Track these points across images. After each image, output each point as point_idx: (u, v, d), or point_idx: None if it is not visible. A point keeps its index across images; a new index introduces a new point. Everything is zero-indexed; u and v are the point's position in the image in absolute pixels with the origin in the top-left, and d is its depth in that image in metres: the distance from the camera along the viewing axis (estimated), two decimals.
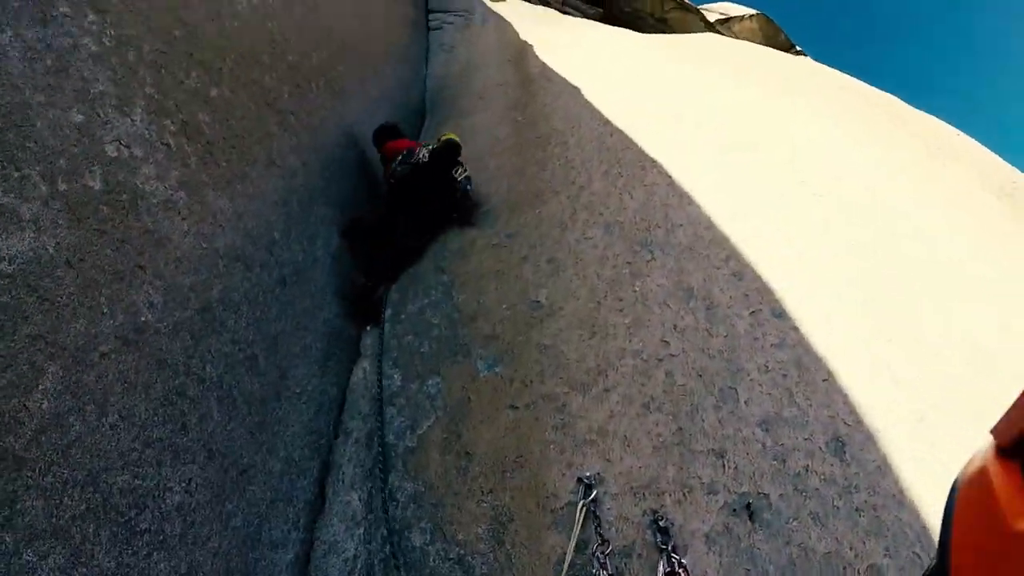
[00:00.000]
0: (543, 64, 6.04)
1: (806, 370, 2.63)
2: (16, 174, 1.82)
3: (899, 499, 2.18)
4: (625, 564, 2.25)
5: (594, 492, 2.46)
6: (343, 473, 2.77)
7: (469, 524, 2.51)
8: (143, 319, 2.13)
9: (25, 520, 1.55)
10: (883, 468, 2.26)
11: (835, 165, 3.91)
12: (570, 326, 3.17)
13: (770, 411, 2.51)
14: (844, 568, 2.03)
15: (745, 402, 2.58)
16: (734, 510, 2.26)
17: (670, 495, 2.40)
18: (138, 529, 1.84)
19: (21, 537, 1.53)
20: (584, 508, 2.40)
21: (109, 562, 1.72)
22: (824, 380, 2.57)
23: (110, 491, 1.80)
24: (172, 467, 2.04)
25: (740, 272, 3.15)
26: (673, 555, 2.16)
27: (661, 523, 2.29)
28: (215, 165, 2.72)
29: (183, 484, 2.06)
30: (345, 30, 4.98)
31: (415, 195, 4.08)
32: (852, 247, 3.21)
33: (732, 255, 3.25)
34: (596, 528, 2.36)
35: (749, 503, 2.25)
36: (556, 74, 5.70)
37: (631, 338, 3.00)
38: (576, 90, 5.26)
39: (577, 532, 2.32)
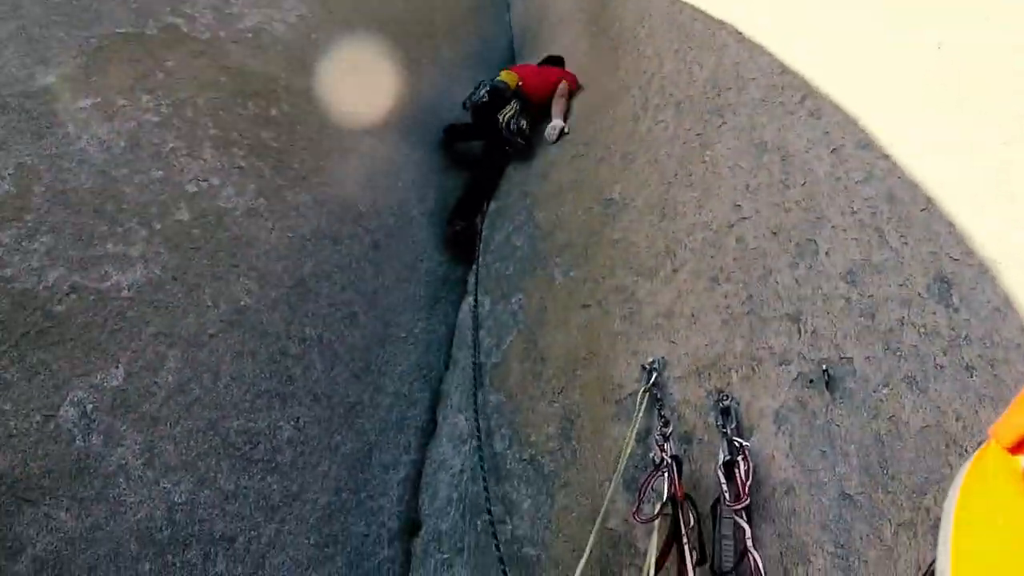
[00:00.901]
0: None
1: (899, 203, 2.02)
2: (120, 229, 2.56)
3: None
4: (685, 450, 2.11)
5: (653, 377, 2.34)
6: (451, 399, 3.13)
7: (541, 425, 2.63)
8: (243, 303, 2.76)
9: (161, 460, 2.24)
10: (1003, 310, 1.64)
11: None
12: (641, 214, 2.99)
13: (856, 258, 2.01)
14: (946, 445, 1.53)
15: (826, 253, 2.11)
16: (810, 380, 1.89)
17: (736, 371, 2.14)
18: (253, 459, 2.46)
19: (159, 471, 2.22)
20: (645, 394, 2.29)
21: (229, 485, 2.36)
22: (923, 210, 1.94)
23: (227, 433, 2.45)
24: (280, 410, 2.64)
25: (818, 110, 2.55)
26: (735, 439, 1.89)
27: (724, 403, 2.05)
28: (289, 169, 3.30)
29: (292, 422, 2.65)
30: (400, 7, 5.27)
31: (482, 126, 4.41)
32: (943, 49, 2.31)
33: (808, 94, 2.64)
34: (659, 412, 2.24)
35: (827, 371, 1.85)
36: None
37: (700, 211, 2.71)
38: None
39: (637, 419, 2.21)
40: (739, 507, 1.67)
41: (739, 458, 1.80)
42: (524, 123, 4.31)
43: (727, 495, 1.73)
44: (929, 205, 1.95)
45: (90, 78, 2.83)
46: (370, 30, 4.57)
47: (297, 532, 2.45)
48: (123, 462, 2.16)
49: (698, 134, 3.03)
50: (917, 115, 2.18)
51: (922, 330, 1.73)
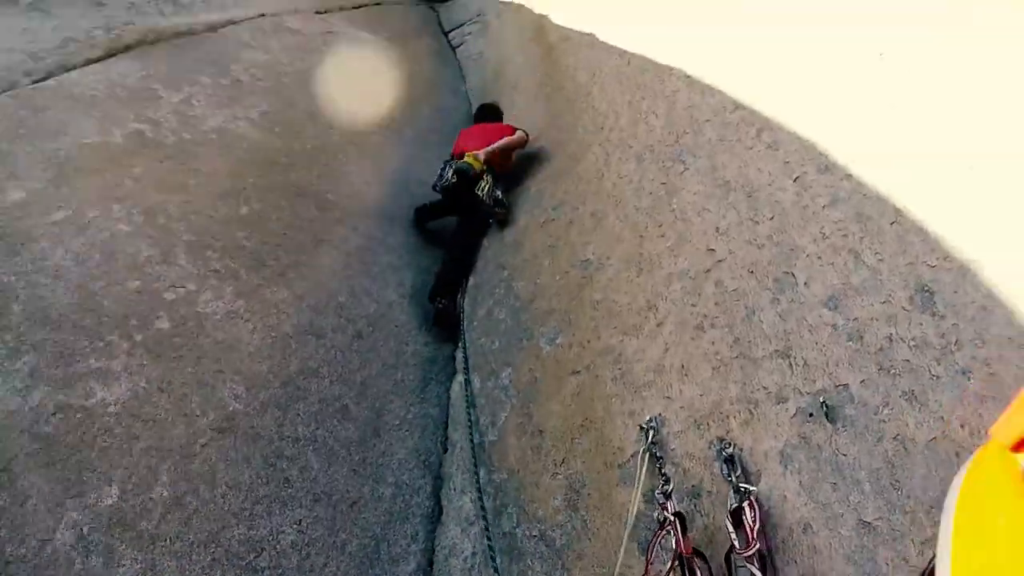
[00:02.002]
0: (559, 27, 5.93)
1: (869, 220, 2.10)
2: (101, 343, 2.51)
3: (1018, 340, 1.59)
4: (695, 505, 2.09)
5: (650, 435, 2.36)
6: (454, 481, 3.07)
7: (547, 499, 2.60)
8: (231, 408, 2.70)
9: None
10: (988, 307, 1.67)
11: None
12: (618, 272, 3.07)
13: (836, 284, 2.06)
14: (956, 453, 1.55)
15: (805, 283, 2.16)
16: (809, 415, 1.90)
17: (735, 417, 2.15)
18: (258, 567, 2.35)
19: None
20: (645, 454, 2.31)
21: None
22: (892, 223, 2.02)
23: (230, 543, 2.34)
24: (281, 515, 2.54)
25: (775, 142, 2.70)
26: (741, 486, 1.90)
27: (726, 452, 2.06)
28: (264, 267, 3.30)
29: (294, 526, 2.55)
30: (361, 94, 5.48)
31: (454, 204, 4.50)
32: (885, 57, 2.57)
33: (764, 126, 2.81)
34: (659, 471, 2.24)
35: (824, 402, 1.86)
36: (572, 31, 5.56)
37: (675, 260, 2.79)
38: (591, 37, 5.06)
39: (640, 481, 2.19)
40: (748, 554, 1.66)
41: (745, 504, 1.80)
42: (499, 192, 4.40)
43: (736, 543, 1.73)
44: (898, 217, 2.01)
45: (60, 190, 2.82)
46: (331, 120, 4.70)
47: None
48: None
49: (663, 183, 3.12)
50: (871, 128, 2.28)
51: (912, 344, 1.75)
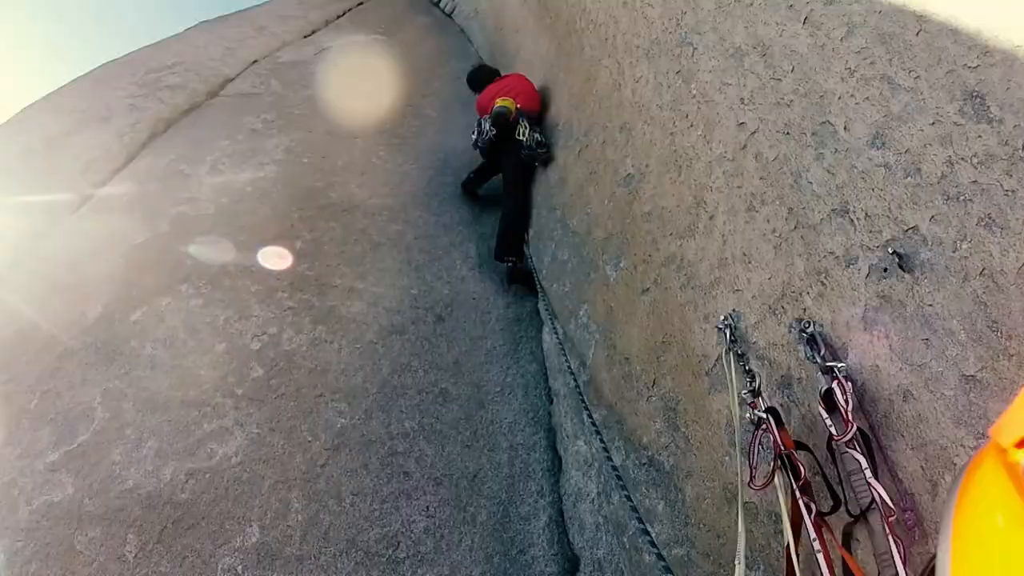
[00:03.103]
0: None
1: (891, 37, 1.78)
2: (209, 408, 2.81)
3: None
4: (788, 396, 1.91)
5: (729, 334, 2.16)
6: (565, 429, 3.06)
7: (647, 424, 2.50)
8: (339, 425, 2.91)
9: None
10: None
11: None
12: (659, 177, 2.84)
13: (877, 119, 1.78)
14: None
15: (845, 128, 1.90)
16: (883, 270, 1.66)
17: (807, 292, 1.93)
18: (398, 559, 2.53)
19: None
20: (731, 354, 2.12)
21: None
22: (918, 33, 1.71)
23: (367, 544, 2.55)
24: (409, 506, 2.71)
25: None
26: (828, 364, 1.68)
27: (807, 331, 1.84)
28: (333, 288, 3.49)
29: (423, 512, 2.71)
30: (372, 97, 5.50)
31: (498, 159, 4.45)
32: None
33: None
34: (744, 368, 2.04)
35: (895, 251, 1.62)
36: None
37: (709, 146, 2.54)
38: None
39: (734, 382, 2.05)
40: (847, 438, 1.48)
41: (834, 384, 1.59)
42: (538, 134, 4.33)
43: (833, 429, 1.54)
44: (922, 24, 1.71)
45: (131, 292, 3.16)
46: (351, 131, 4.80)
47: None
48: None
49: (677, 72, 2.88)
50: None
51: (975, 161, 1.48)
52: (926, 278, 1.54)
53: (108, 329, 2.94)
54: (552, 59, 4.83)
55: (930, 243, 1.55)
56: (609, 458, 2.57)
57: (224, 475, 2.58)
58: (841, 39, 1.96)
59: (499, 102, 4.38)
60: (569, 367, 3.10)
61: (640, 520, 2.26)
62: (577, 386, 3.02)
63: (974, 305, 1.40)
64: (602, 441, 2.70)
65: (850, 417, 1.51)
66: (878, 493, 1.35)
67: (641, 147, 3.06)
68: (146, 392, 2.74)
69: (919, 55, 1.68)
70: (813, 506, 1.52)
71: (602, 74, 3.66)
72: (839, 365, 1.66)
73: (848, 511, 1.53)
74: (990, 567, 0.55)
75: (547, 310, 3.49)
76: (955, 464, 1.35)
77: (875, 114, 1.78)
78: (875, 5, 1.90)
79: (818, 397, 1.66)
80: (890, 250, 1.63)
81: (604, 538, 2.63)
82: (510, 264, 3.93)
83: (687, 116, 2.74)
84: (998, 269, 1.35)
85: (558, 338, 3.29)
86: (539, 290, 3.66)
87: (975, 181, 1.46)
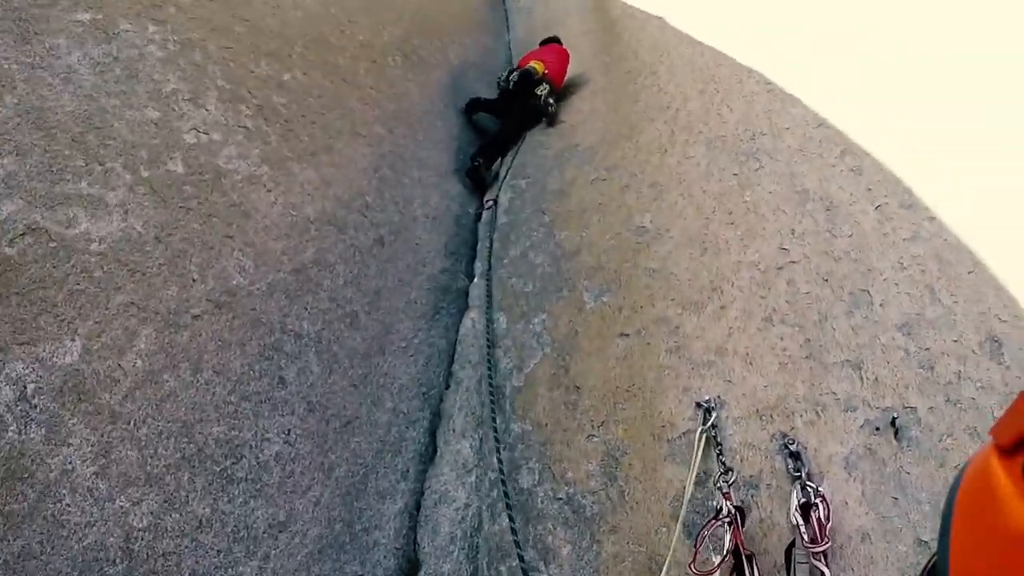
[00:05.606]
0: (623, 4, 5.80)
1: (948, 264, 2.11)
2: (99, 168, 2.05)
3: None
4: (752, 496, 1.95)
5: (713, 416, 2.13)
6: (454, 422, 2.74)
7: (579, 461, 2.31)
8: (234, 282, 2.29)
9: (119, 469, 1.71)
10: None
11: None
12: (679, 246, 2.83)
13: (911, 312, 2.06)
14: None
15: (880, 304, 2.14)
16: (876, 428, 1.90)
17: (801, 415, 2.05)
18: (234, 477, 1.97)
19: (115, 484, 1.69)
20: (704, 435, 2.10)
21: (204, 508, 1.85)
22: (970, 272, 2.05)
23: (205, 441, 1.94)
24: (270, 419, 2.16)
25: (859, 167, 2.61)
26: (808, 483, 1.82)
27: (792, 447, 1.95)
28: (297, 140, 2.87)
29: (282, 435, 2.17)
30: (415, 5, 5.13)
31: (509, 105, 4.81)
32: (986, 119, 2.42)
33: (847, 149, 2.72)
34: (718, 456, 2.03)
35: (894, 419, 1.87)
36: (638, 10, 5.46)
37: (745, 250, 2.61)
38: (661, 20, 4.96)
39: (697, 461, 2.03)
40: (819, 550, 1.62)
41: (818, 500, 1.76)
42: (552, 100, 4.74)
43: (805, 537, 1.66)
44: (976, 268, 2.05)
45: None
46: (384, 20, 4.26)
47: (283, 571, 1.95)
48: (69, 467, 1.63)
49: (735, 174, 2.97)
50: (959, 179, 2.28)
51: (978, 384, 1.83)
52: (911, 450, 1.81)
53: (45, 8, 2.04)
54: (598, 92, 4.87)
55: (923, 426, 1.83)
56: (504, 480, 2.32)
57: (74, 256, 1.82)
58: (904, 240, 2.23)
59: (532, 63, 4.82)
60: (489, 364, 2.82)
61: (522, 559, 2.04)
62: (500, 387, 2.74)
63: (942, 489, 1.66)
64: (499, 454, 2.45)
65: (827, 533, 1.67)
66: None
67: (668, 212, 3.05)
68: (40, 100, 1.87)
69: (964, 288, 2.01)
70: None
71: (650, 132, 3.67)
72: (821, 488, 1.81)
73: None
74: (990, 567, 0.55)
75: (486, 295, 3.21)
76: None
77: (910, 308, 2.05)
78: (944, 233, 2.20)
79: (796, 507, 1.77)
80: (892, 415, 1.88)
81: (457, 554, 2.32)
82: (476, 163, 4.21)
83: (730, 213, 2.80)
84: None
85: (488, 330, 3.00)
86: (486, 275, 3.38)
87: (973, 399, 1.79)
